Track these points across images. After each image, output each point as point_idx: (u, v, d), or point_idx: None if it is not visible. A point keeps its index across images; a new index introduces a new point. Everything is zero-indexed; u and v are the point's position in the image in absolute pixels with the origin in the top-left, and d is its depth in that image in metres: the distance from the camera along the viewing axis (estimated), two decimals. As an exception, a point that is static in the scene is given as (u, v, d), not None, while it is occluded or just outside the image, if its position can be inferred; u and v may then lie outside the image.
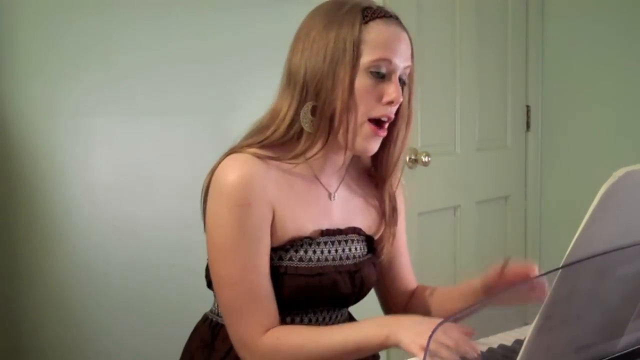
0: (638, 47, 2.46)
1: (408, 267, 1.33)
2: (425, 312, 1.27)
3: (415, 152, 2.28)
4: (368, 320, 1.10)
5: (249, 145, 1.11)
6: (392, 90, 1.09)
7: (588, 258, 0.69)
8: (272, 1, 1.89)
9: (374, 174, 1.26)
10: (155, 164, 1.74)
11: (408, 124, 1.18)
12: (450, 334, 0.94)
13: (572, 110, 2.68)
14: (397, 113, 1.14)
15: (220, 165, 1.10)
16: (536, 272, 1.13)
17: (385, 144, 1.17)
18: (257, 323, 1.08)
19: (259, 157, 1.09)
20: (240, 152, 1.11)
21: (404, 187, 1.30)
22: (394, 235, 1.26)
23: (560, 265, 0.68)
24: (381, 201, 1.25)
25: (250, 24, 1.85)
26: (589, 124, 2.62)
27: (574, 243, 0.68)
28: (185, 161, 1.76)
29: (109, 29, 1.63)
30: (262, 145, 1.11)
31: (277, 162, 1.11)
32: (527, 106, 2.76)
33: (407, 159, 2.26)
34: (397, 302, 1.32)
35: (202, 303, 1.28)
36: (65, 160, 1.59)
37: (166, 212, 1.74)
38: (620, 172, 0.67)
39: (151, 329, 1.71)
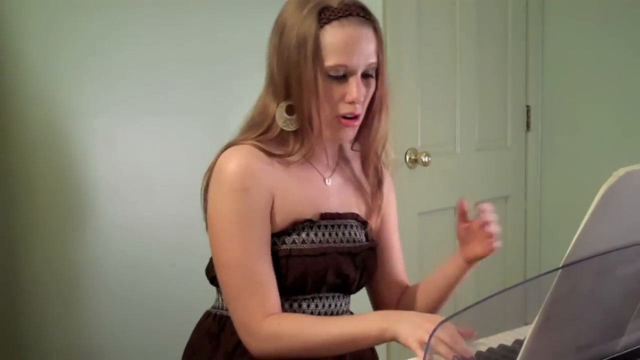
0: (638, 47, 2.46)
1: (401, 262, 1.35)
2: (416, 308, 1.30)
3: (415, 152, 2.27)
4: (369, 313, 1.13)
5: (246, 139, 1.15)
6: (352, 91, 1.12)
7: (588, 258, 0.69)
8: (272, 1, 1.89)
9: (360, 157, 1.28)
10: (155, 164, 1.74)
11: (382, 110, 1.19)
12: (449, 332, 0.98)
13: (572, 110, 2.68)
14: (370, 103, 1.17)
15: (220, 157, 1.14)
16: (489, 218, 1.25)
17: (363, 131, 1.20)
18: (258, 306, 1.10)
19: (257, 147, 1.14)
20: (238, 144, 1.15)
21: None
22: (379, 209, 1.29)
23: (560, 265, 0.68)
24: (368, 177, 1.28)
25: (250, 25, 1.85)
26: (589, 124, 2.62)
27: (574, 243, 0.68)
28: (185, 161, 1.76)
29: (109, 29, 1.63)
30: (258, 139, 1.15)
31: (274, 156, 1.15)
32: (527, 106, 2.75)
33: (407, 159, 2.26)
34: (388, 297, 1.33)
35: (202, 302, 1.28)
36: (65, 160, 1.59)
37: (166, 212, 1.74)
38: (620, 172, 0.67)
39: (151, 328, 1.71)
